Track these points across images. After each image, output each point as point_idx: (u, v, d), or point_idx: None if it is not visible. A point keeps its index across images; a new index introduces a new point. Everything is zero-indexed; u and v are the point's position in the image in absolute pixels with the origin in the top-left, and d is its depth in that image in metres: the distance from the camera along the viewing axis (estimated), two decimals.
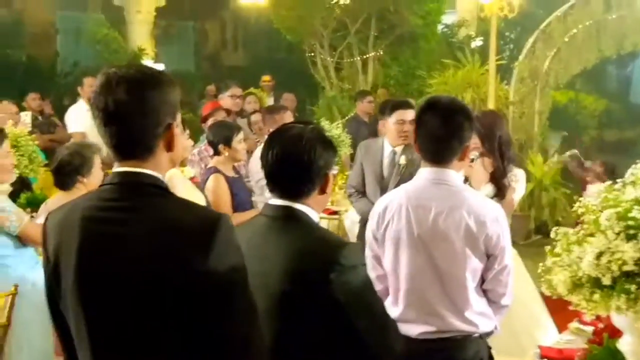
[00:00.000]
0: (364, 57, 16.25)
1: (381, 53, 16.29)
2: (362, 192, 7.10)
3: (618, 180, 2.96)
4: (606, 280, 2.73)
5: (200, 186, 6.79)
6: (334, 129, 9.48)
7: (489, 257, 3.89)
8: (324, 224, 8.29)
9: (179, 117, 2.74)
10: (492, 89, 13.24)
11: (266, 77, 15.95)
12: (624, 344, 2.99)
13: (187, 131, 6.41)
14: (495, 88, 13.37)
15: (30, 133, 7.54)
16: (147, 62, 18.22)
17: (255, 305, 2.64)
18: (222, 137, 6.75)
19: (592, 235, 2.84)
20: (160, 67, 18.63)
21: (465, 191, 3.99)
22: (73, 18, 18.77)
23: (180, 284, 2.46)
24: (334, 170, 3.37)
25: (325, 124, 9.70)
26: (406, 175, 6.64)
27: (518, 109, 13.68)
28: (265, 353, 2.72)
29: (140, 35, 19.05)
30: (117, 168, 2.65)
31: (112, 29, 17.89)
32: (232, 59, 22.93)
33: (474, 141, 5.33)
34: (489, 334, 4.08)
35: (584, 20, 13.28)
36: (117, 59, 16.83)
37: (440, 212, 3.86)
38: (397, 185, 6.56)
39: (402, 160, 6.89)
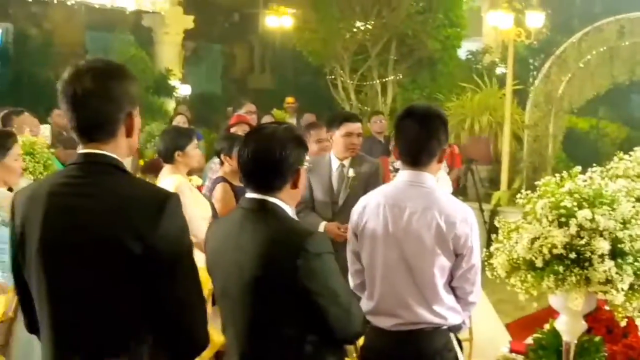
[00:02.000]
0: (384, 80, 16.57)
1: (400, 76, 16.60)
2: (310, 207, 7.07)
3: (556, 175, 3.26)
4: (539, 263, 3.01)
5: (207, 194, 7.07)
6: None
7: (457, 256, 4.10)
8: None
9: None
10: (508, 113, 13.51)
11: (290, 99, 16.36)
12: (560, 324, 3.27)
13: (196, 141, 6.75)
14: (511, 112, 13.63)
15: (53, 146, 7.85)
16: (174, 82, 18.60)
17: (197, 273, 2.98)
18: (225, 147, 7.02)
19: (530, 223, 3.13)
20: (186, 88, 19.03)
21: (438, 193, 4.22)
22: (102, 38, 18.91)
23: (133, 249, 2.80)
24: (306, 165, 3.66)
25: None
26: (355, 187, 6.78)
27: (532, 132, 13.90)
28: (205, 316, 3.06)
29: (168, 56, 19.33)
30: (82, 150, 2.97)
31: (140, 49, 18.20)
32: (258, 82, 23.23)
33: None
34: (457, 327, 4.30)
35: (597, 46, 13.50)
36: (144, 79, 17.13)
37: (414, 212, 4.10)
38: (348, 197, 6.76)
39: (351, 172, 6.89)
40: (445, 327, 4.20)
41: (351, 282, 4.45)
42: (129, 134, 3.01)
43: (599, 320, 3.97)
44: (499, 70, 17.82)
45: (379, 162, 7.29)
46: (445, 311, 4.18)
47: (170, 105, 17.99)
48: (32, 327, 3.16)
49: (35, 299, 3.02)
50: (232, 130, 8.44)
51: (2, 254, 5.70)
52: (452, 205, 4.17)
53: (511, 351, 4.25)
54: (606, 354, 3.69)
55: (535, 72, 18.29)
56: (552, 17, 19.10)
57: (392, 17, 15.85)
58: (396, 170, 8.04)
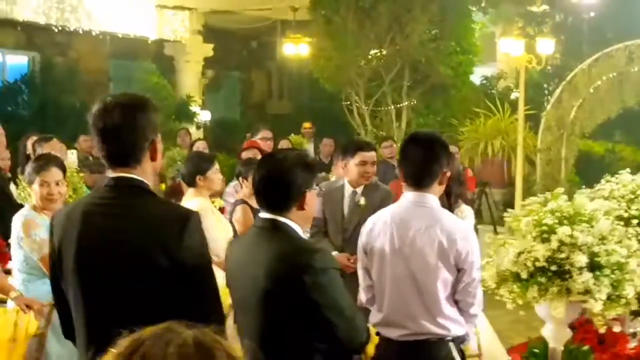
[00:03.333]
0: (398, 105, 16.83)
1: (414, 102, 16.86)
2: (323, 232, 7.20)
3: (540, 195, 3.59)
4: (523, 275, 3.34)
5: (228, 217, 7.41)
6: None
7: (459, 270, 4.41)
8: None
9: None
10: (520, 137, 13.79)
11: (307, 124, 16.70)
12: (546, 331, 3.59)
13: (217, 166, 7.10)
14: (524, 136, 13.92)
15: (80, 171, 8.17)
16: (195, 109, 18.95)
17: (216, 282, 3.36)
18: (243, 171, 7.39)
19: (516, 239, 3.46)
20: (206, 114, 19.37)
21: (440, 212, 4.57)
22: (125, 66, 19.12)
23: (160, 263, 3.17)
24: (314, 189, 3.98)
25: None
26: (365, 215, 6.76)
27: (545, 156, 14.17)
28: (224, 323, 3.48)
29: (189, 84, 19.77)
30: (112, 174, 3.36)
31: (162, 78, 18.54)
32: (276, 108, 23.48)
33: None
34: (461, 338, 4.60)
35: (607, 72, 13.78)
36: (166, 106, 17.45)
37: (419, 230, 4.44)
38: (358, 225, 6.62)
39: (362, 200, 7.00)
40: (449, 338, 4.49)
41: (363, 297, 4.78)
42: (153, 158, 3.38)
43: (590, 331, 4.26)
44: (513, 95, 18.11)
45: (389, 190, 7.53)
46: (449, 323, 4.48)
47: (191, 130, 18.30)
48: (68, 333, 3.51)
49: (72, 308, 3.37)
50: (243, 154, 8.81)
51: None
52: (454, 224, 4.50)
53: None
54: None
55: (549, 97, 18.57)
56: (566, 43, 19.38)
57: (405, 44, 16.13)
58: None
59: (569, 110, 14.08)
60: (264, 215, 3.88)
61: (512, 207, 14.17)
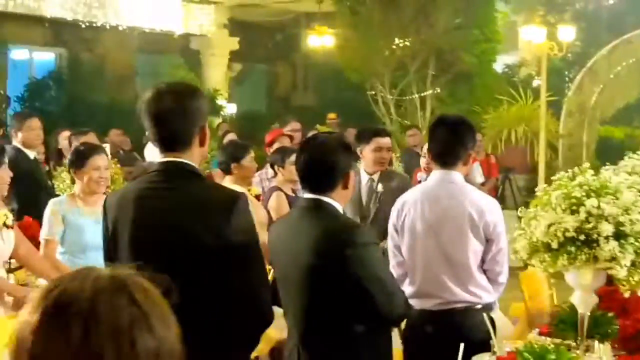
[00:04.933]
0: (422, 94, 17.05)
1: (438, 90, 17.08)
2: None
3: (569, 170, 3.84)
4: (554, 245, 3.59)
5: (264, 203, 7.66)
6: None
7: (488, 241, 4.72)
8: None
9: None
10: (542, 123, 14.00)
11: (332, 115, 16.93)
12: (575, 298, 3.84)
13: (252, 154, 7.35)
14: (546, 122, 14.13)
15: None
16: (221, 102, 19.19)
17: (264, 259, 3.56)
18: (278, 159, 7.63)
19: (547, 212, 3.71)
20: (233, 107, 19.58)
21: (467, 188, 4.87)
22: (152, 61, 19.39)
23: (209, 243, 3.35)
24: (354, 169, 4.21)
25: None
26: (384, 202, 6.78)
27: (567, 141, 14.39)
28: (270, 302, 3.55)
29: (215, 77, 20.02)
30: (162, 158, 3.54)
31: (189, 71, 18.77)
32: (301, 100, 23.57)
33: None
34: (490, 306, 4.85)
35: (627, 58, 13.98)
36: None
37: (449, 204, 4.74)
38: (377, 212, 6.95)
39: (380, 187, 7.00)
40: (479, 305, 4.75)
41: (394, 274, 5.05)
42: (201, 144, 3.56)
43: (615, 300, 4.49)
44: (535, 83, 18.30)
45: (406, 177, 7.67)
46: (480, 291, 4.76)
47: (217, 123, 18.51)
48: None
49: None
50: (274, 146, 9.00)
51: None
52: (481, 198, 4.84)
53: (540, 334, 4.75)
54: (618, 327, 4.22)
55: (570, 84, 18.78)
56: (586, 30, 19.58)
57: (430, 33, 16.38)
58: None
59: (590, 96, 14.30)
60: (307, 195, 4.10)
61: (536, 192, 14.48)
